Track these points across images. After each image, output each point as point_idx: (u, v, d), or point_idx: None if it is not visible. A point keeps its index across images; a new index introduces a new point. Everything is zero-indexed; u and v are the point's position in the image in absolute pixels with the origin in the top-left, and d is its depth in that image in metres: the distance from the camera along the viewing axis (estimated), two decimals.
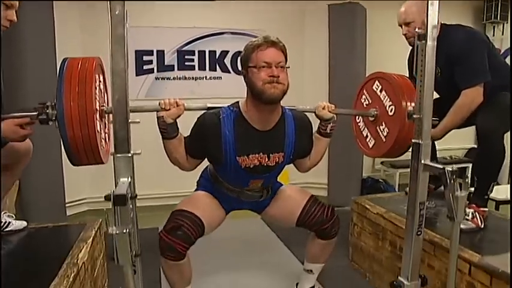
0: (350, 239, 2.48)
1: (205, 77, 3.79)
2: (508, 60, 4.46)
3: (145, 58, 3.61)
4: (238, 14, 3.79)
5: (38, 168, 3.12)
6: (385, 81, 1.75)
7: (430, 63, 1.44)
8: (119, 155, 1.10)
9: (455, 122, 1.89)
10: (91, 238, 1.72)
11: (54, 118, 1.16)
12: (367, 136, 1.88)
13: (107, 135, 1.43)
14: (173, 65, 3.70)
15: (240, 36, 3.74)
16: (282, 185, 1.89)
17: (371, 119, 1.80)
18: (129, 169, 1.11)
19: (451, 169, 1.32)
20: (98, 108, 1.26)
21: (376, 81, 1.80)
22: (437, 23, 1.43)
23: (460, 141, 4.53)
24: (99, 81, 1.33)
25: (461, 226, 1.47)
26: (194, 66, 3.73)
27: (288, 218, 1.79)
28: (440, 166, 1.37)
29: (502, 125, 1.84)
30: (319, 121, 1.68)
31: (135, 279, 1.09)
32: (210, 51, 3.77)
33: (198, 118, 1.56)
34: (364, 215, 2.30)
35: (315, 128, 1.73)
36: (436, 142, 2.14)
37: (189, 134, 1.58)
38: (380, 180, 4.01)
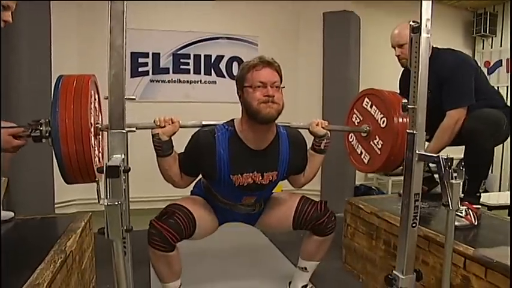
0: (343, 240, 2.46)
1: (200, 80, 3.80)
2: (496, 73, 4.58)
3: (140, 60, 3.62)
4: (234, 19, 3.84)
5: (27, 168, 3.08)
6: (374, 96, 1.82)
7: (424, 54, 1.46)
8: (113, 131, 1.09)
9: (442, 143, 1.95)
10: (80, 229, 1.67)
11: (48, 135, 1.16)
12: (361, 153, 1.92)
13: (100, 154, 1.42)
14: (168, 68, 3.71)
15: (236, 41, 3.79)
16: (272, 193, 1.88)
17: (364, 135, 1.85)
18: (123, 145, 1.10)
19: (445, 157, 1.33)
20: (92, 125, 1.25)
21: (366, 98, 1.87)
22: (431, 17, 1.46)
23: (455, 151, 4.58)
24: (94, 99, 1.33)
25: (455, 223, 1.47)
26: (189, 69, 3.75)
27: (284, 223, 1.77)
28: (435, 155, 1.38)
29: (488, 127, 1.84)
30: (313, 137, 1.70)
31: (125, 258, 1.06)
32: (205, 56, 3.79)
33: (193, 135, 1.56)
34: (358, 215, 2.28)
35: (309, 145, 1.74)
36: None
37: (183, 151, 1.58)
38: (373, 187, 4.02)
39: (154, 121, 1.44)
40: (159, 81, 3.69)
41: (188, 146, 1.56)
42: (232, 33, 3.78)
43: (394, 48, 2.05)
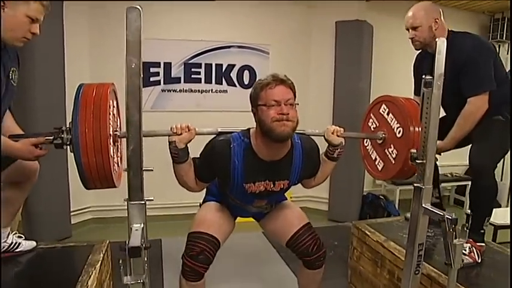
0: (349, 262, 2.53)
1: (211, 90, 3.82)
2: None
3: (152, 70, 3.65)
4: (245, 28, 3.82)
5: (43, 178, 3.15)
6: (391, 104, 1.77)
7: (435, 110, 1.48)
8: (132, 203, 1.15)
9: (463, 131, 1.89)
10: (99, 263, 1.76)
11: (69, 143, 1.21)
12: (375, 159, 1.90)
13: (119, 159, 1.47)
14: (180, 78, 3.73)
15: (247, 50, 3.77)
16: (286, 198, 1.94)
17: (379, 141, 1.81)
18: (142, 215, 1.16)
19: (450, 217, 1.37)
20: (111, 133, 1.30)
21: (383, 105, 1.82)
22: (443, 69, 1.47)
23: (461, 157, 4.57)
24: (113, 107, 1.37)
25: None
26: (200, 79, 3.76)
27: (280, 237, 1.84)
28: (441, 213, 1.41)
29: (494, 158, 1.87)
30: (327, 144, 1.72)
31: None
32: (216, 65, 3.80)
33: (208, 143, 1.60)
34: (364, 240, 2.34)
35: (322, 149, 1.77)
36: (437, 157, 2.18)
37: (199, 157, 1.61)
38: (380, 196, 4.06)
39: (171, 128, 1.47)
40: (170, 91, 3.72)
41: (204, 153, 1.60)
42: (244, 42, 3.76)
43: (408, 30, 1.99)
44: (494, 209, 2.33)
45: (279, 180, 1.65)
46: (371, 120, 1.90)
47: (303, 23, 3.94)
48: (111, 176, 1.25)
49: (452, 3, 4.19)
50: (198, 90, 3.78)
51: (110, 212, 3.55)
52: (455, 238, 1.36)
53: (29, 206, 3.14)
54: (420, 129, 1.54)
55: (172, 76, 3.71)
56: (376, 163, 1.90)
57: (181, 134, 1.46)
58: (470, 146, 1.95)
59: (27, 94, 2.94)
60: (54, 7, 2.98)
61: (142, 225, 1.15)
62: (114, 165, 1.32)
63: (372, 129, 1.88)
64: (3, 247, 1.74)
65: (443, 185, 3.95)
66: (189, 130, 1.47)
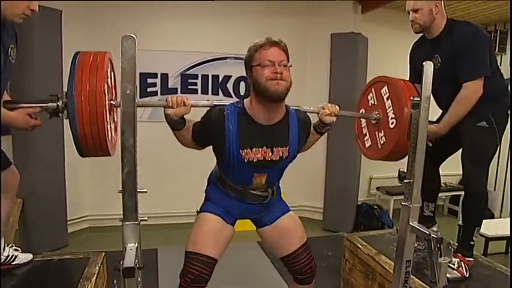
0: (342, 273, 2.56)
1: (208, 101, 3.85)
2: None
3: (149, 81, 3.69)
4: (241, 39, 3.84)
5: (41, 187, 3.21)
6: (393, 91, 1.73)
7: (423, 131, 1.52)
8: (127, 223, 1.18)
9: (458, 116, 1.91)
10: (95, 276, 1.80)
11: (64, 108, 1.21)
12: (365, 135, 1.92)
13: (114, 127, 1.48)
14: (176, 88, 3.77)
15: (243, 61, 3.81)
16: (288, 209, 1.88)
17: (373, 121, 1.83)
18: (136, 235, 1.19)
19: (435, 236, 1.41)
20: (107, 102, 1.29)
21: (386, 87, 1.78)
22: (430, 93, 1.52)
23: (455, 167, 4.62)
24: (109, 76, 1.37)
25: (447, 275, 1.55)
26: (197, 90, 3.81)
27: (277, 250, 1.83)
28: (427, 231, 1.46)
29: (482, 166, 1.95)
30: (318, 120, 1.73)
31: None
32: (213, 76, 3.85)
33: (205, 114, 1.62)
34: (356, 253, 2.38)
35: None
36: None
37: (197, 122, 1.63)
38: (375, 206, 4.10)
39: (166, 100, 1.48)
40: None
41: (201, 122, 1.62)
42: (240, 53, 3.79)
43: (409, 13, 2.02)
44: (486, 220, 2.38)
45: (277, 146, 1.62)
46: (371, 94, 1.87)
47: (298, 35, 3.99)
48: (106, 142, 1.25)
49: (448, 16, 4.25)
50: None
51: (107, 221, 3.57)
52: (441, 257, 1.40)
53: (25, 215, 3.17)
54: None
55: (169, 87, 3.75)
56: (365, 139, 1.92)
57: (176, 107, 1.48)
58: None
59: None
60: (53, 21, 3.08)
61: (136, 245, 1.18)
62: (109, 133, 1.32)
63: (370, 104, 1.87)
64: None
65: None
66: (184, 105, 1.49)
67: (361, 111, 1.94)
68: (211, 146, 1.65)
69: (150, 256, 2.99)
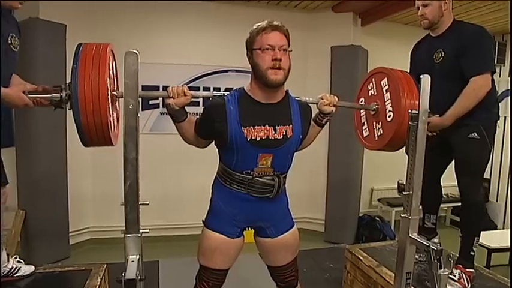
0: (343, 285, 2.56)
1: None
2: (504, 102, 4.59)
3: None
4: (243, 52, 3.89)
5: (43, 199, 3.24)
6: (393, 84, 1.73)
7: (421, 143, 1.55)
8: (129, 235, 1.20)
9: (464, 108, 1.92)
10: (96, 287, 1.80)
11: (67, 99, 1.23)
12: (363, 124, 1.94)
13: (116, 118, 1.50)
14: None
15: (245, 74, 3.85)
16: (293, 223, 1.82)
17: (372, 112, 1.84)
18: (138, 247, 1.21)
19: (435, 248, 1.42)
20: (109, 93, 1.31)
21: (386, 78, 1.78)
22: (428, 102, 1.55)
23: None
24: (111, 67, 1.39)
25: (449, 287, 1.55)
26: (199, 102, 3.82)
27: (268, 260, 1.81)
28: (427, 243, 1.47)
29: (476, 176, 2.00)
30: (318, 111, 1.74)
31: None
32: (214, 88, 3.89)
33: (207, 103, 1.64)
34: (357, 265, 2.38)
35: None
36: None
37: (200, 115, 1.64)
38: (376, 218, 4.09)
39: (167, 90, 1.50)
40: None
41: (202, 112, 1.62)
42: (241, 66, 3.86)
43: (418, 8, 2.05)
44: (489, 232, 2.37)
45: (280, 125, 1.59)
46: (371, 84, 1.89)
47: (299, 48, 4.03)
48: (108, 131, 1.28)
49: None
50: (197, 113, 3.80)
51: (108, 233, 3.58)
52: (441, 268, 1.41)
53: (27, 227, 3.19)
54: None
55: None
56: (363, 128, 1.95)
57: (177, 97, 1.50)
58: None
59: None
60: (57, 34, 3.14)
61: (138, 257, 1.19)
62: (111, 123, 1.34)
63: (370, 94, 1.89)
64: (3, 272, 1.78)
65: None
66: (185, 95, 1.51)
67: (360, 100, 1.96)
68: (213, 147, 1.65)
69: (151, 268, 2.99)
